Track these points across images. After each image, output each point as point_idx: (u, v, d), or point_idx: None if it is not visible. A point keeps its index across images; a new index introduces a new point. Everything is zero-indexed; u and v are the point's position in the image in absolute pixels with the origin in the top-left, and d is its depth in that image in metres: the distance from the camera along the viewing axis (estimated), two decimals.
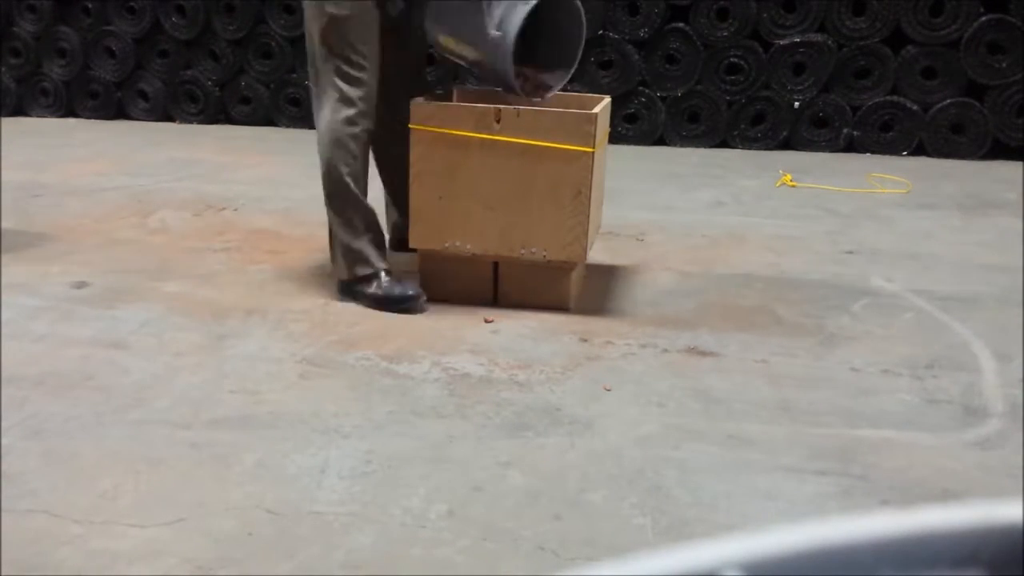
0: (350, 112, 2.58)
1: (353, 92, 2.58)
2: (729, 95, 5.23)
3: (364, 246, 2.67)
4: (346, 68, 2.56)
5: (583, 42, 2.77)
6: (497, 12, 2.50)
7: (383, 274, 2.66)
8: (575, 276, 2.66)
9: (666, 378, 2.20)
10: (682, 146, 5.32)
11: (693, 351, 2.37)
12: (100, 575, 1.45)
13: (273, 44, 5.67)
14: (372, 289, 2.64)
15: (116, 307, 2.63)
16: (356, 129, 2.60)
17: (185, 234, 3.40)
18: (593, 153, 2.48)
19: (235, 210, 3.76)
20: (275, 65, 5.72)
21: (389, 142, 2.78)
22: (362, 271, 2.66)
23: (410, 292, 2.63)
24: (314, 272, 2.94)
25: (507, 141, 2.50)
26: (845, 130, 5.16)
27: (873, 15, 5.00)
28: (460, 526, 1.59)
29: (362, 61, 2.56)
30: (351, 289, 2.69)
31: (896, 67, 5.03)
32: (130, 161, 4.80)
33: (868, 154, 5.12)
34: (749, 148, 5.26)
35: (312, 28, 2.58)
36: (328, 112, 2.60)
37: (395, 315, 2.59)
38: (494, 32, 2.49)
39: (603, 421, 1.98)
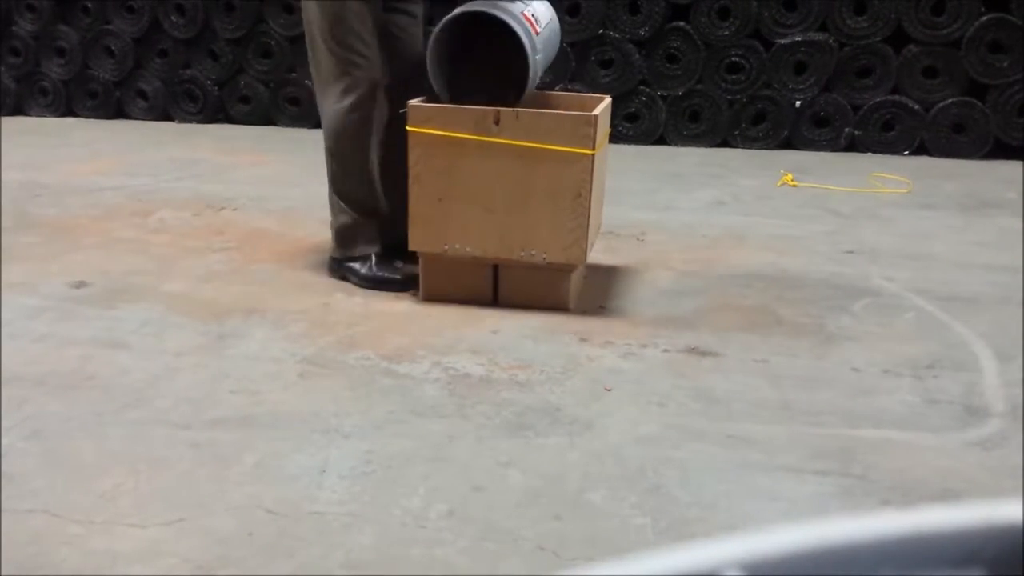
0: (352, 99, 2.67)
1: (355, 81, 2.66)
2: (730, 94, 5.23)
3: (359, 227, 2.81)
4: (349, 57, 2.65)
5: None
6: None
7: (373, 256, 2.81)
8: (575, 277, 2.66)
9: (666, 378, 2.20)
10: (683, 145, 5.32)
11: (693, 351, 2.37)
12: (100, 575, 1.45)
13: (273, 43, 5.67)
14: (362, 269, 2.80)
15: (116, 307, 2.63)
16: (357, 115, 2.69)
17: (185, 234, 3.40)
18: (593, 155, 2.47)
19: (235, 210, 3.76)
20: (275, 64, 5.72)
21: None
22: (354, 251, 2.82)
23: (397, 276, 2.78)
24: (314, 272, 2.94)
25: (506, 143, 2.49)
26: (846, 129, 5.16)
27: (874, 14, 5.00)
28: (460, 526, 1.59)
29: (364, 50, 2.65)
30: (340, 267, 2.85)
31: (897, 66, 5.03)
32: (130, 161, 4.80)
33: (869, 154, 5.12)
34: (750, 148, 5.26)
35: (313, 21, 2.67)
36: (332, 101, 2.71)
37: (395, 315, 2.59)
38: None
39: (603, 421, 1.98)
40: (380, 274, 2.79)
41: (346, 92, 2.67)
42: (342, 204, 2.82)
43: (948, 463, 1.84)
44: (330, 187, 2.85)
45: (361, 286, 2.78)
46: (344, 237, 2.83)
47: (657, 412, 2.03)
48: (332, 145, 2.77)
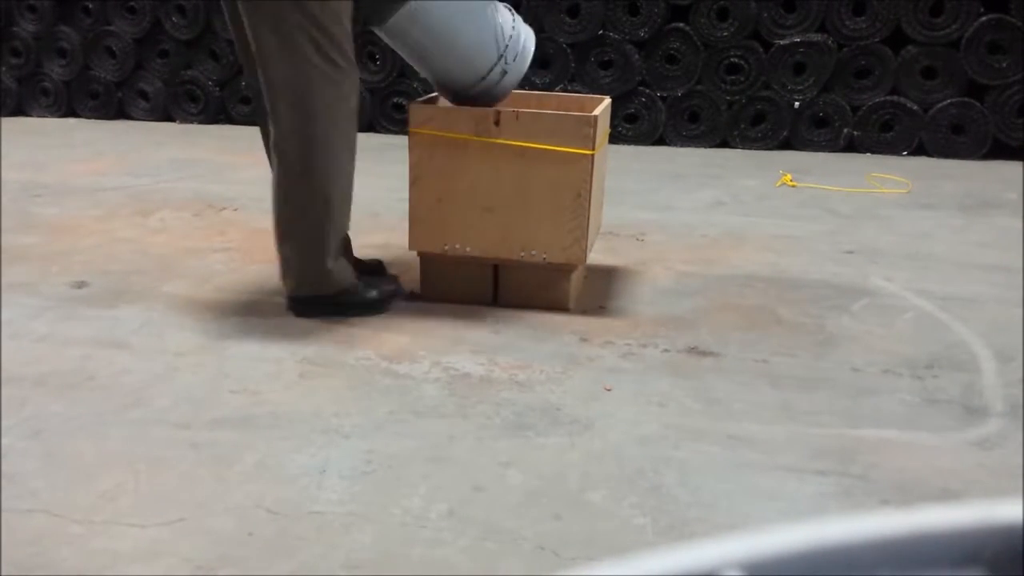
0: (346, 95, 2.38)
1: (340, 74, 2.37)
2: (729, 95, 5.23)
3: (342, 258, 2.55)
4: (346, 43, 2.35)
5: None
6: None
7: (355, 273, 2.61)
8: (575, 277, 2.66)
9: (666, 378, 2.20)
10: (682, 146, 5.32)
11: (693, 351, 2.37)
12: (100, 575, 1.45)
13: None
14: (368, 293, 2.58)
15: (116, 307, 2.63)
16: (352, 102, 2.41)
17: (185, 234, 3.40)
18: (592, 156, 2.48)
19: (235, 210, 3.76)
20: None
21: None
22: (350, 276, 2.57)
23: (378, 294, 2.59)
24: None
25: (506, 144, 2.50)
26: (845, 130, 5.16)
27: (873, 15, 5.00)
28: (460, 526, 1.59)
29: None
30: (337, 304, 2.54)
31: (896, 67, 5.03)
32: (130, 161, 4.79)
33: (868, 154, 5.12)
34: (749, 148, 5.26)
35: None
36: (319, 99, 2.34)
37: (395, 315, 2.59)
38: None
39: (603, 421, 1.98)
40: (385, 288, 2.61)
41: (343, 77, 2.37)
42: (330, 217, 2.44)
43: (947, 463, 1.84)
44: (303, 211, 2.43)
45: (369, 314, 2.55)
46: (340, 267, 2.52)
47: (657, 412, 2.03)
48: (323, 137, 2.36)
